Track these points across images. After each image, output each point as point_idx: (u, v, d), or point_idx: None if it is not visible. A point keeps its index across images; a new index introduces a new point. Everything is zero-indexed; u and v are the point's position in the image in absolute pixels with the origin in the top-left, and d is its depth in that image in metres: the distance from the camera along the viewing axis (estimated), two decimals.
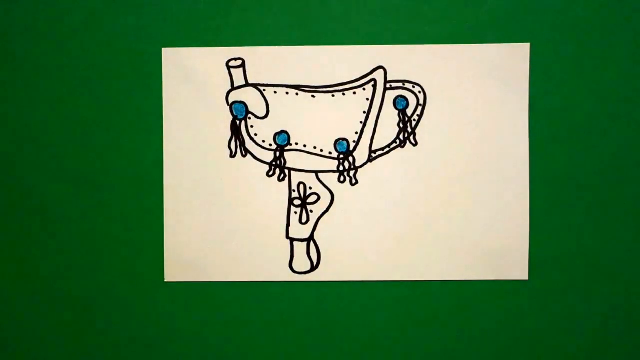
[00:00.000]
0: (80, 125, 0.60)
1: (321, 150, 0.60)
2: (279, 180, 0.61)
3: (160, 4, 0.60)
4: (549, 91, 0.59)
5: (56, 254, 0.61)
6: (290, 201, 0.61)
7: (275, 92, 0.60)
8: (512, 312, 0.61)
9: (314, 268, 0.61)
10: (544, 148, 0.60)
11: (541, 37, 0.59)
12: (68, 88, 0.60)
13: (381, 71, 0.60)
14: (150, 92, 0.60)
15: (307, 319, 0.61)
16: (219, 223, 0.61)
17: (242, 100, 0.60)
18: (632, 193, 0.60)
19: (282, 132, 0.60)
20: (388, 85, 0.60)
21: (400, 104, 0.60)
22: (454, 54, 0.59)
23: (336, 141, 0.60)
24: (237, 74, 0.60)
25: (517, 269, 0.60)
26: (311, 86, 0.60)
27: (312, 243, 0.61)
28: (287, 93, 0.60)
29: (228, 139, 0.60)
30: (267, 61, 0.60)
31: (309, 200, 0.61)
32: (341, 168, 0.60)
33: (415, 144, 0.60)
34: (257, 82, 0.60)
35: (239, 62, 0.60)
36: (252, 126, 0.60)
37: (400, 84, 0.60)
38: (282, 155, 0.60)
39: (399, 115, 0.60)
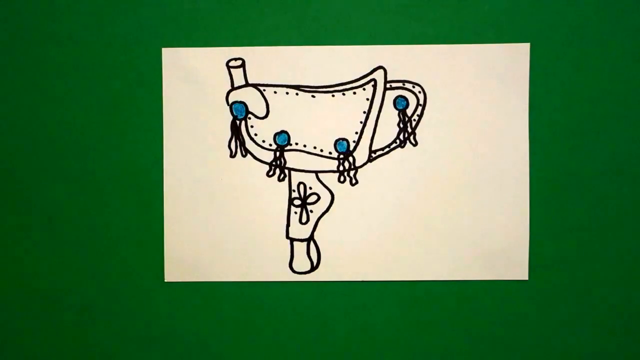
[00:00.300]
0: (80, 125, 0.60)
1: (321, 150, 0.60)
2: (279, 180, 0.61)
3: (160, 4, 0.60)
4: (549, 91, 0.59)
5: (56, 254, 0.61)
6: (290, 201, 0.61)
7: (275, 92, 0.60)
8: (512, 312, 0.61)
9: (313, 268, 0.61)
10: (544, 148, 0.60)
11: (541, 37, 0.59)
12: (68, 88, 0.60)
13: (381, 71, 0.60)
14: (150, 92, 0.60)
15: (307, 318, 0.61)
16: (219, 223, 0.61)
17: (242, 100, 0.60)
18: (632, 193, 0.60)
19: (282, 132, 0.60)
20: (388, 85, 0.60)
21: (400, 104, 0.60)
22: (454, 54, 0.59)
23: (336, 141, 0.60)
24: (237, 74, 0.60)
25: (517, 269, 0.60)
26: (311, 86, 0.60)
27: (312, 243, 0.61)
28: (287, 93, 0.60)
29: (228, 139, 0.60)
30: (267, 61, 0.60)
31: (309, 200, 0.61)
32: (341, 168, 0.60)
33: (415, 144, 0.60)
34: (257, 82, 0.60)
35: (239, 62, 0.60)
36: (252, 126, 0.60)
37: (400, 84, 0.60)
38: (282, 155, 0.60)
39: (399, 115, 0.60)
